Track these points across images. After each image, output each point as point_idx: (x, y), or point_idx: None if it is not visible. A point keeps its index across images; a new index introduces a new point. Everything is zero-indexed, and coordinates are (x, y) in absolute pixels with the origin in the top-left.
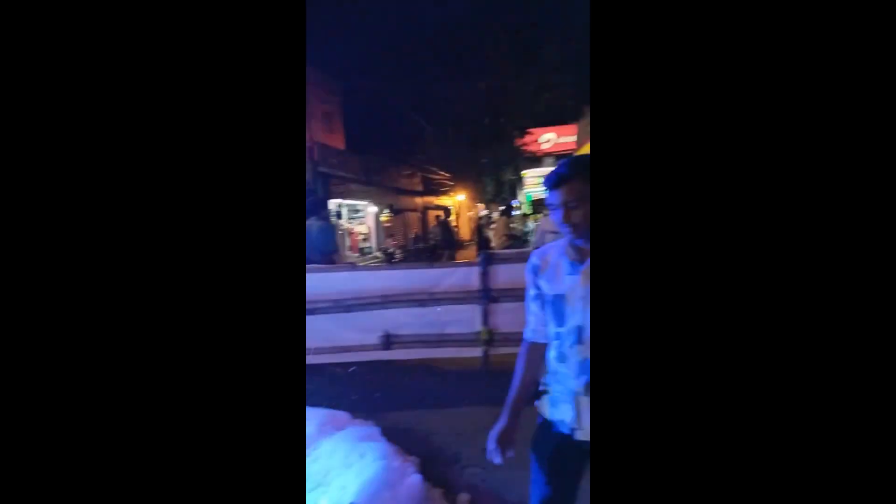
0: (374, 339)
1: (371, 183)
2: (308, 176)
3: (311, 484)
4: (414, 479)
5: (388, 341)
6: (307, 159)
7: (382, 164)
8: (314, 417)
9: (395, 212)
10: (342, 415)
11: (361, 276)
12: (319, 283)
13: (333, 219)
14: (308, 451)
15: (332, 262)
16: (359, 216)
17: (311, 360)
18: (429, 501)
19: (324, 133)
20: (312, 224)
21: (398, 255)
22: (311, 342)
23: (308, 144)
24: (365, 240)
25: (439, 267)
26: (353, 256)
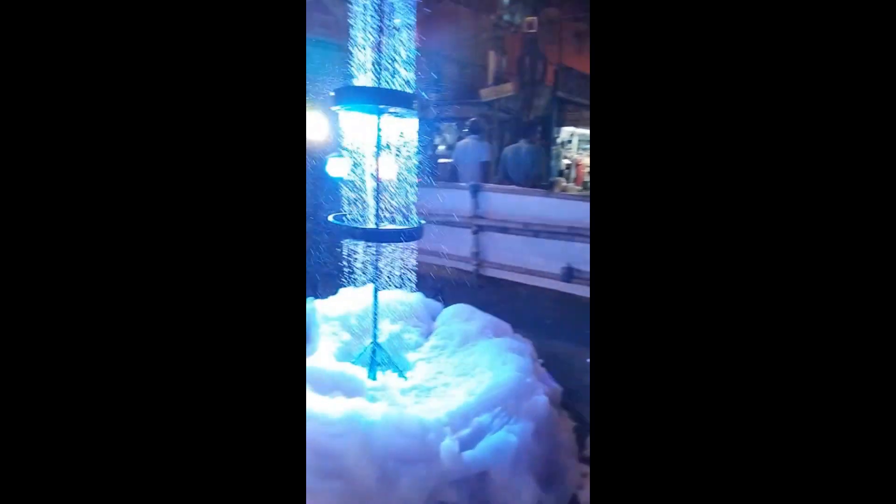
0: (556, 268)
1: None
2: (542, 100)
3: (458, 371)
4: (540, 400)
5: (570, 274)
6: (543, 82)
7: None
8: (480, 319)
9: None
10: (505, 325)
11: (555, 205)
12: (515, 204)
13: (557, 147)
14: (467, 346)
15: (533, 186)
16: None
17: (493, 272)
18: (546, 420)
19: (573, 55)
20: (521, 146)
21: None
22: (497, 258)
23: (553, 67)
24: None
25: None
26: (574, 189)
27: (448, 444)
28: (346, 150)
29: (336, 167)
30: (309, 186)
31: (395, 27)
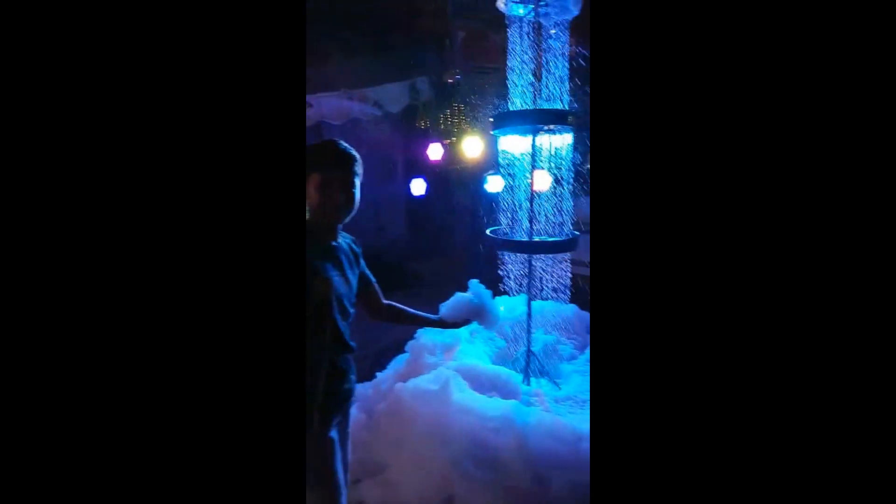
0: None
1: None
2: None
3: None
4: None
5: None
6: None
7: None
8: None
9: None
10: None
11: None
12: None
13: None
14: None
15: None
16: None
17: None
18: None
19: None
20: None
21: None
22: None
23: None
24: None
25: None
26: None
27: None
28: (502, 168)
29: (493, 184)
30: (467, 201)
31: (550, 43)
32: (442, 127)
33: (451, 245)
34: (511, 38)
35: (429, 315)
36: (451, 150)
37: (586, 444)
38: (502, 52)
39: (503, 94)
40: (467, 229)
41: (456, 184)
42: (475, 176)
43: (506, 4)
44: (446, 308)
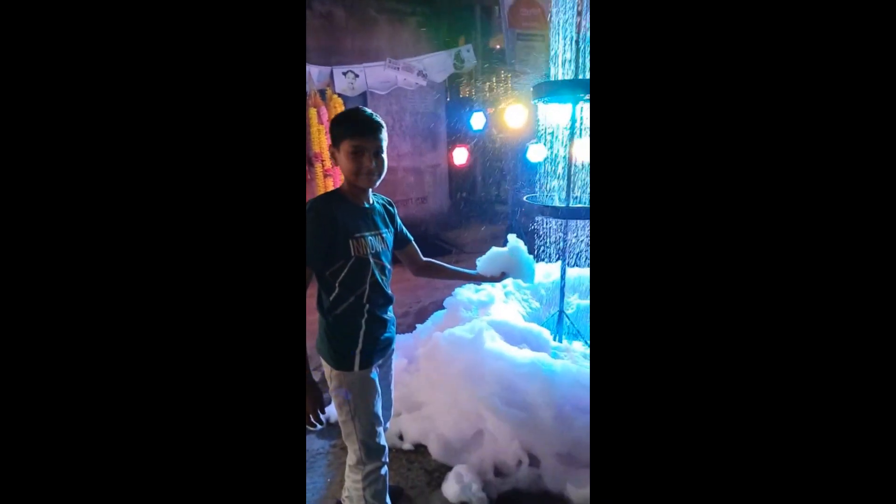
0: None
1: None
2: None
3: None
4: None
5: None
6: None
7: None
8: None
9: None
10: None
11: None
12: None
13: None
14: None
15: None
16: None
17: None
18: None
19: None
20: None
21: None
22: None
23: None
24: None
25: None
26: None
27: None
28: (542, 137)
29: (535, 153)
30: (508, 169)
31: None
32: (487, 95)
33: (492, 214)
34: (556, 6)
35: (466, 270)
36: (494, 119)
37: None
38: (548, 19)
39: (547, 61)
40: (509, 198)
41: (499, 152)
42: (518, 145)
43: None
44: (483, 262)
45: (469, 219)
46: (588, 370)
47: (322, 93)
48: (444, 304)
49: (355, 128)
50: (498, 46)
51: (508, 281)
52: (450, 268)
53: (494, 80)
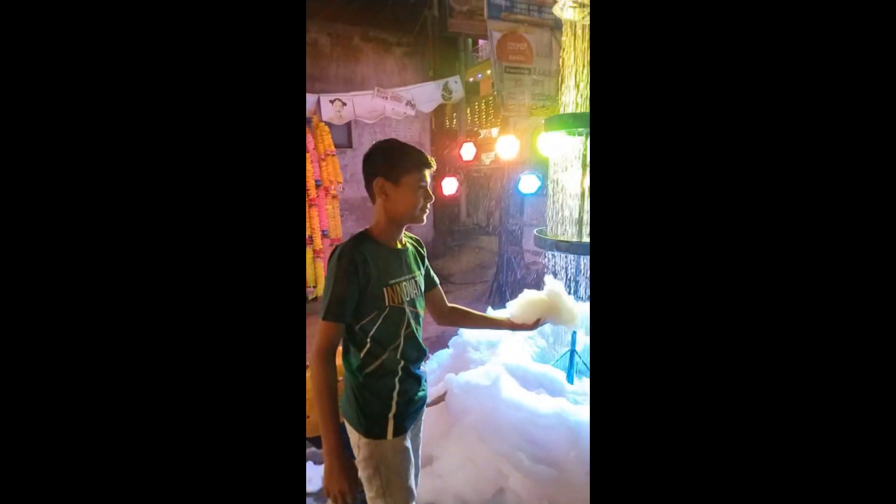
0: None
1: None
2: None
3: None
4: None
5: None
6: None
7: None
8: None
9: None
10: None
11: None
12: None
13: None
14: None
15: None
16: None
17: None
18: None
19: None
20: None
21: None
22: None
23: None
24: None
25: None
26: None
27: None
28: (553, 167)
29: (526, 184)
30: (499, 200)
31: None
32: (475, 128)
33: (479, 245)
34: (565, 42)
35: (497, 316)
36: (483, 150)
37: None
38: (535, 53)
39: (536, 93)
40: (498, 229)
41: (488, 183)
42: (510, 176)
43: (562, 9)
44: (516, 307)
45: (455, 248)
46: None
47: (308, 120)
48: (450, 343)
49: (423, 161)
50: (479, 76)
51: None
52: (479, 314)
53: (481, 110)
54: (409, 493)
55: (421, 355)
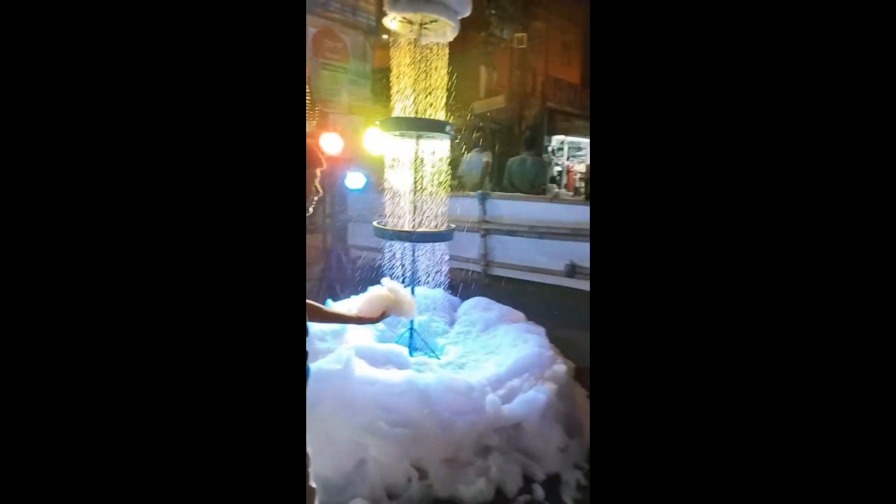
0: (560, 266)
1: None
2: (532, 111)
3: (485, 350)
4: (560, 367)
5: (573, 270)
6: (533, 94)
7: None
8: (498, 309)
9: None
10: (519, 314)
11: (557, 209)
12: (520, 209)
13: (549, 155)
14: (489, 330)
15: (536, 193)
16: (580, 154)
17: (501, 272)
18: (567, 384)
19: (561, 66)
20: (526, 157)
21: None
22: (504, 258)
23: (542, 79)
24: (582, 179)
25: None
26: (566, 194)
27: (491, 398)
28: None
29: (353, 180)
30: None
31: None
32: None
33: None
34: (394, 53)
35: (346, 313)
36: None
37: (477, 393)
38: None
39: (353, 93)
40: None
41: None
42: (335, 172)
43: (392, 20)
44: (362, 303)
45: None
46: (455, 377)
47: None
48: None
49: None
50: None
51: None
52: (329, 310)
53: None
54: None
55: None
